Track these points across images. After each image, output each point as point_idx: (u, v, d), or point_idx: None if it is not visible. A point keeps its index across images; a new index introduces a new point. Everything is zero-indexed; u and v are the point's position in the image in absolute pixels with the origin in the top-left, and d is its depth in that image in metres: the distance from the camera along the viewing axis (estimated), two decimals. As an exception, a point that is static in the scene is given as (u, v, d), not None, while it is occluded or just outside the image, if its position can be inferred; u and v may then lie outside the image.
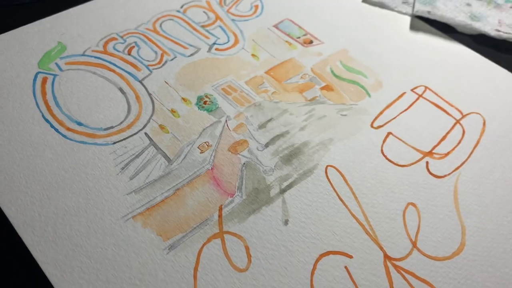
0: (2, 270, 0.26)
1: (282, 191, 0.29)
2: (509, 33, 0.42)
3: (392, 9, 0.44)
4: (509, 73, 0.38)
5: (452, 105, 0.35)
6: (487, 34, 0.42)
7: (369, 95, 0.35)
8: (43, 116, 0.32)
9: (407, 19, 0.43)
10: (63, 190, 0.28)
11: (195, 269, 0.26)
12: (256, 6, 0.42)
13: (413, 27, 0.42)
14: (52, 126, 0.32)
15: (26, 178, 0.29)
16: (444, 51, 0.40)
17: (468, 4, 0.45)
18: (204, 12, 0.41)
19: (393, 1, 0.45)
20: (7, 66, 0.35)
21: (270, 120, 0.33)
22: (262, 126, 0.33)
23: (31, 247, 0.26)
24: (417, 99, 0.36)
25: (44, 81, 0.35)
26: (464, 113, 0.35)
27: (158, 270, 0.26)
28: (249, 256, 0.26)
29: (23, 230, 0.27)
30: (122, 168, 0.30)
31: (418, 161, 0.32)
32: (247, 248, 0.27)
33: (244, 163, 0.31)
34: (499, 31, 0.43)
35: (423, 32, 0.41)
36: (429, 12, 0.43)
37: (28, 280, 0.25)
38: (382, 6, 0.44)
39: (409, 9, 0.44)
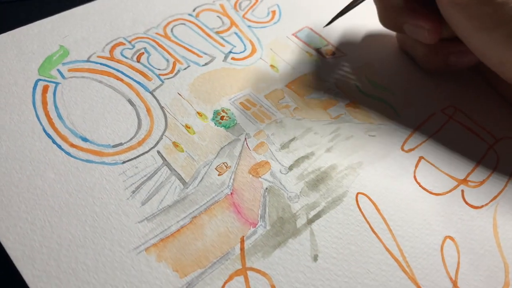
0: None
1: (310, 221, 0.27)
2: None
3: None
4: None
5: (483, 128, 0.33)
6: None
7: (398, 114, 0.33)
8: (44, 130, 0.29)
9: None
10: (67, 217, 0.25)
11: (217, 312, 0.23)
12: (274, 12, 0.39)
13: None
14: (54, 141, 0.29)
15: (26, 202, 0.26)
16: (473, 70, 0.37)
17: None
18: (218, 16, 0.38)
19: None
20: (4, 72, 0.32)
21: (293, 139, 0.31)
22: (284, 146, 0.30)
23: (32, 283, 0.23)
24: (447, 120, 0.33)
25: (45, 89, 0.31)
26: (497, 138, 0.33)
27: (175, 312, 0.23)
28: (276, 296, 0.24)
29: (23, 263, 0.24)
30: (133, 192, 0.27)
31: (453, 189, 0.29)
32: (273, 288, 0.24)
33: (266, 188, 0.28)
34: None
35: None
36: None
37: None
38: None
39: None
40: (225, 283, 0.24)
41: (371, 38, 0.38)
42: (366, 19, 0.39)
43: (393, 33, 0.38)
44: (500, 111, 0.34)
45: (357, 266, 0.25)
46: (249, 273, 0.24)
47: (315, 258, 0.25)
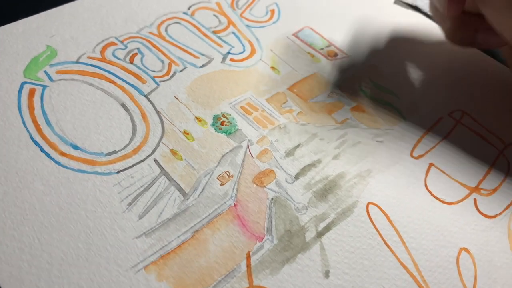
0: None
1: (319, 234, 0.25)
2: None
3: (426, 14, 0.40)
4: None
5: (492, 133, 0.32)
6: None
7: (405, 118, 0.32)
8: (31, 137, 0.27)
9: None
10: (58, 233, 0.23)
11: (225, 337, 0.21)
12: (272, 11, 0.38)
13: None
14: (42, 149, 0.26)
15: (12, 217, 0.24)
16: (479, 68, 0.36)
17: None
18: (215, 15, 0.36)
19: (427, 5, 0.41)
20: (-14, 74, 0.29)
21: (298, 146, 0.29)
22: (289, 153, 0.28)
23: (20, 308, 0.21)
24: (455, 125, 0.32)
25: (32, 93, 0.29)
26: (506, 143, 0.32)
27: (179, 337, 0.21)
28: (287, 317, 0.22)
29: (10, 286, 0.21)
30: (129, 204, 0.25)
31: (466, 197, 0.28)
32: (283, 308, 0.22)
33: (272, 199, 0.26)
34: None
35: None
36: None
37: None
38: (416, 8, 0.40)
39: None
40: (231, 303, 0.22)
41: (374, 38, 0.37)
42: (369, 19, 0.38)
43: (398, 33, 0.37)
44: (509, 115, 0.33)
45: (371, 282, 0.24)
46: (257, 292, 0.23)
47: (326, 274, 0.24)
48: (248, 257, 0.24)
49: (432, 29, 0.38)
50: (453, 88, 0.34)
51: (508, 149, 0.31)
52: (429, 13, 0.40)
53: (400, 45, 0.37)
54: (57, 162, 0.26)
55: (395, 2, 0.41)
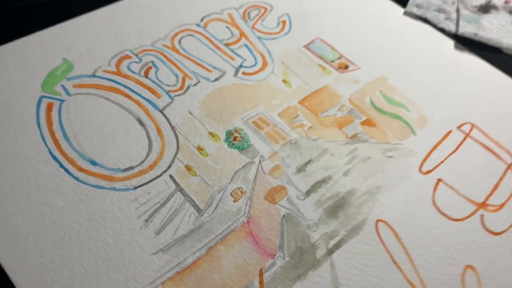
0: None
1: (330, 251, 0.26)
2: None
3: (435, 26, 0.41)
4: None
5: (502, 147, 0.32)
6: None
7: (414, 133, 0.32)
8: (50, 152, 0.28)
9: (451, 38, 0.40)
10: (78, 249, 0.24)
11: None
12: (284, 22, 0.38)
13: (457, 48, 0.39)
14: (61, 165, 0.27)
15: (34, 233, 0.25)
16: (489, 81, 0.36)
17: (515, 22, 0.42)
18: (227, 27, 0.37)
19: (436, 17, 0.41)
20: (6, 88, 0.30)
21: (309, 162, 0.30)
22: (301, 169, 0.29)
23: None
24: (465, 139, 0.33)
25: (50, 107, 0.30)
26: (515, 156, 0.32)
27: None
28: (298, 334, 0.23)
29: (34, 301, 0.22)
30: (146, 220, 0.26)
31: (472, 214, 0.29)
32: (295, 324, 0.23)
33: (284, 215, 0.27)
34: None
35: (467, 56, 0.38)
36: (475, 34, 0.40)
37: None
38: (425, 20, 0.41)
39: (452, 27, 0.41)
40: (245, 320, 0.23)
41: (384, 50, 0.37)
42: (379, 30, 0.38)
43: (407, 45, 0.37)
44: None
45: (379, 299, 0.25)
46: (270, 308, 0.24)
47: (336, 291, 0.25)
48: (261, 274, 0.25)
49: (441, 41, 0.38)
50: (463, 101, 0.35)
51: (516, 164, 0.32)
52: (437, 25, 0.41)
53: (410, 57, 0.37)
54: (76, 178, 0.27)
55: (405, 14, 0.41)
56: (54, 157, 0.28)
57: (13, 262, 0.24)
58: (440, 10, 0.42)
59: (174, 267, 0.24)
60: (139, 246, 0.25)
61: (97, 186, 0.27)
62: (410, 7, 0.42)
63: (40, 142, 0.28)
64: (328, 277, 0.25)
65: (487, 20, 0.42)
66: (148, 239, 0.25)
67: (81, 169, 0.27)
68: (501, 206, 0.30)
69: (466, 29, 0.40)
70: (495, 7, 0.44)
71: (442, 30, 0.41)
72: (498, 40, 0.39)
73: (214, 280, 0.24)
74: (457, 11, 0.42)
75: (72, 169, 0.27)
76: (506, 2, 0.44)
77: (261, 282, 0.24)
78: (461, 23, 0.41)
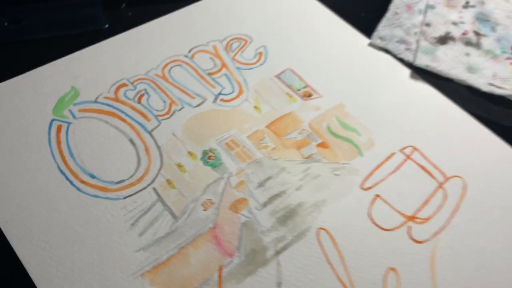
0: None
1: (277, 253, 0.32)
2: (502, 88, 0.45)
3: (395, 56, 0.46)
4: (493, 135, 0.41)
5: (437, 167, 0.38)
6: (480, 89, 0.44)
7: (361, 154, 0.38)
8: (58, 167, 0.35)
9: (408, 68, 0.45)
10: (78, 246, 0.31)
11: (197, 330, 0.29)
12: (260, 54, 0.44)
13: (412, 77, 0.45)
14: (67, 178, 0.34)
15: (44, 232, 0.32)
16: (435, 109, 0.42)
17: (467, 54, 0.48)
18: (211, 58, 0.43)
19: (397, 48, 0.47)
20: (22, 112, 0.37)
21: (268, 178, 0.36)
22: (261, 184, 0.36)
23: (50, 303, 0.29)
24: (405, 160, 0.39)
25: (59, 129, 0.37)
26: (447, 176, 0.38)
27: (164, 329, 0.29)
28: (245, 317, 0.30)
29: (43, 285, 0.29)
30: (132, 224, 0.33)
31: (401, 225, 0.35)
32: (243, 310, 0.30)
33: (243, 223, 0.34)
34: (492, 84, 0.45)
35: (420, 85, 0.44)
36: (427, 65, 0.45)
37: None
38: (387, 51, 0.46)
39: (410, 57, 0.46)
40: (204, 305, 0.30)
41: (345, 79, 0.43)
42: (344, 60, 0.44)
43: (366, 74, 0.43)
44: (454, 150, 0.39)
45: (313, 292, 0.31)
46: (225, 297, 0.30)
47: (279, 285, 0.31)
48: (220, 269, 0.31)
49: (399, 71, 0.44)
50: (409, 126, 0.41)
51: (448, 182, 0.38)
52: (397, 55, 0.46)
53: (368, 85, 0.43)
54: (78, 189, 0.34)
55: (369, 45, 0.47)
56: (62, 171, 0.35)
57: (28, 256, 0.31)
58: (402, 41, 0.48)
59: (151, 262, 0.31)
60: (126, 244, 0.32)
61: (94, 196, 0.34)
62: (374, 39, 0.48)
63: (50, 159, 0.35)
64: (274, 273, 0.32)
65: (442, 51, 0.48)
66: (133, 239, 0.32)
67: (82, 181, 0.34)
68: (427, 219, 0.36)
69: (422, 61, 0.46)
70: (452, 38, 0.49)
71: (401, 60, 0.47)
72: (447, 71, 0.45)
73: (182, 273, 0.31)
74: (417, 42, 0.48)
75: (75, 181, 0.34)
76: (463, 34, 0.50)
77: (219, 276, 0.31)
78: (418, 54, 0.47)
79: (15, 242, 0.31)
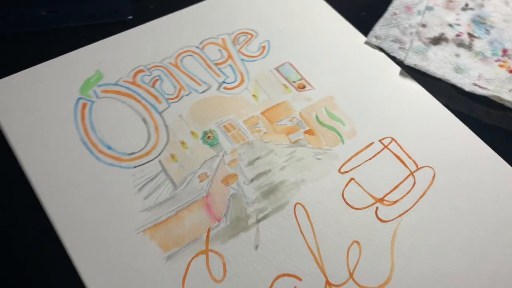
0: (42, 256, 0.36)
1: (258, 221, 0.38)
2: (485, 88, 0.49)
3: (388, 54, 0.51)
4: (469, 131, 0.45)
5: (410, 158, 0.43)
6: (463, 89, 0.48)
7: (343, 142, 0.44)
8: (81, 139, 0.42)
9: (399, 66, 0.50)
10: (95, 205, 0.38)
11: (184, 277, 0.35)
12: (264, 47, 0.50)
13: (401, 74, 0.49)
14: (88, 148, 0.41)
15: (70, 192, 0.38)
16: (418, 105, 0.47)
17: (457, 55, 0.52)
18: (219, 49, 0.49)
19: (391, 47, 0.51)
20: (54, 91, 0.44)
21: (258, 158, 0.42)
22: (251, 163, 0.41)
23: (71, 249, 0.36)
24: (382, 149, 0.44)
25: (84, 106, 0.44)
26: (419, 166, 0.43)
27: (157, 274, 0.35)
28: (225, 271, 0.36)
29: (67, 233, 0.36)
30: (139, 190, 0.39)
31: (370, 206, 0.40)
32: (224, 264, 0.36)
33: (232, 194, 0.40)
34: (476, 85, 0.49)
35: (408, 82, 0.48)
36: (415, 65, 0.50)
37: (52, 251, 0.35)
38: (381, 49, 0.51)
39: (403, 56, 0.51)
40: (192, 258, 0.36)
41: (337, 74, 0.48)
42: (339, 57, 0.49)
43: (358, 70, 0.48)
44: (431, 143, 0.44)
45: (284, 255, 0.37)
46: (210, 253, 0.37)
47: (256, 247, 0.37)
48: (208, 231, 0.38)
49: (390, 68, 0.49)
50: (392, 119, 0.45)
51: (418, 171, 0.43)
52: (390, 53, 0.51)
53: (358, 80, 0.48)
54: (97, 158, 0.41)
55: (366, 43, 0.52)
56: (84, 142, 0.41)
57: (57, 209, 0.38)
58: (396, 40, 0.52)
59: (152, 221, 0.38)
60: (133, 205, 0.38)
61: (110, 164, 0.40)
62: (370, 37, 0.52)
63: (75, 131, 0.42)
64: (252, 237, 0.38)
65: (433, 51, 0.52)
66: (139, 201, 0.39)
67: (100, 152, 0.41)
68: (394, 202, 0.41)
69: (411, 60, 0.50)
70: (445, 39, 0.53)
71: (393, 58, 0.51)
72: (434, 71, 0.49)
73: (177, 232, 0.37)
74: (411, 42, 0.52)
75: (94, 151, 0.41)
76: (457, 35, 0.54)
77: (207, 236, 0.37)
78: (410, 53, 0.51)
79: (43, 193, 0.38)
